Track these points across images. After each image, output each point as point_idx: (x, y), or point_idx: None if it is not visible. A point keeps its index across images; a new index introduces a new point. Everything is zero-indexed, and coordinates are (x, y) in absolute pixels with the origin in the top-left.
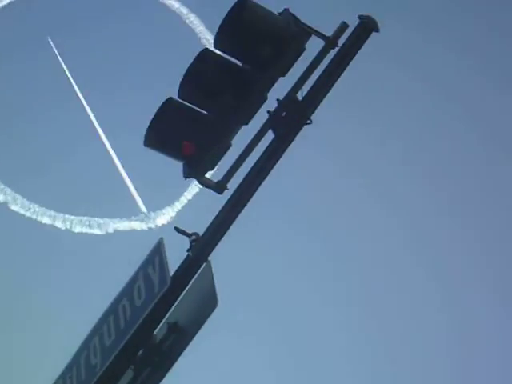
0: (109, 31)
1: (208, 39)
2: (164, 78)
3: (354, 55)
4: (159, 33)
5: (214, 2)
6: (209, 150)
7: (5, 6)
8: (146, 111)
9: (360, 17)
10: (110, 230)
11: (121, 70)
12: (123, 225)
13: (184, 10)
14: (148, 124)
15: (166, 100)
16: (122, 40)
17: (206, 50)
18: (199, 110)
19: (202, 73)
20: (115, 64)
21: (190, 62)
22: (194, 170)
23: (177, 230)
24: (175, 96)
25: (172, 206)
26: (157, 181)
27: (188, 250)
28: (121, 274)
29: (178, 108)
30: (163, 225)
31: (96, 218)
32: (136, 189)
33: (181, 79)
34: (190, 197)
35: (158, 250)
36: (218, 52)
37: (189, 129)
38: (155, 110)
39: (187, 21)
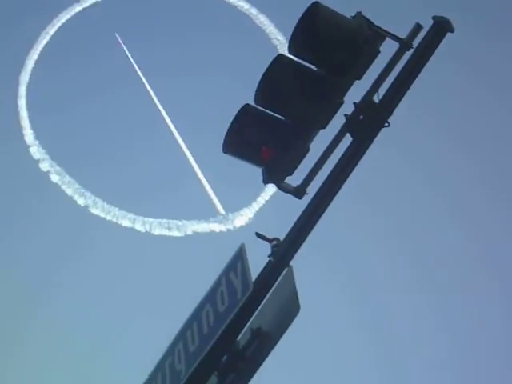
0: (180, 34)
1: (279, 39)
2: (238, 81)
3: (430, 57)
4: (230, 34)
5: (283, 3)
6: (287, 155)
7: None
8: (221, 113)
9: (434, 18)
10: (189, 232)
11: (194, 73)
12: (202, 226)
13: (254, 11)
14: (226, 130)
15: (243, 106)
16: (193, 42)
17: (280, 56)
18: (276, 115)
19: (278, 79)
20: (188, 67)
21: (265, 67)
22: (273, 175)
23: (258, 235)
24: (251, 102)
25: (249, 207)
26: (234, 181)
27: (269, 256)
28: (201, 275)
29: (255, 114)
30: (241, 226)
31: (175, 220)
32: (213, 190)
33: (257, 85)
34: (267, 197)
35: (239, 256)
36: (292, 57)
37: (266, 135)
38: (232, 116)
39: (257, 21)
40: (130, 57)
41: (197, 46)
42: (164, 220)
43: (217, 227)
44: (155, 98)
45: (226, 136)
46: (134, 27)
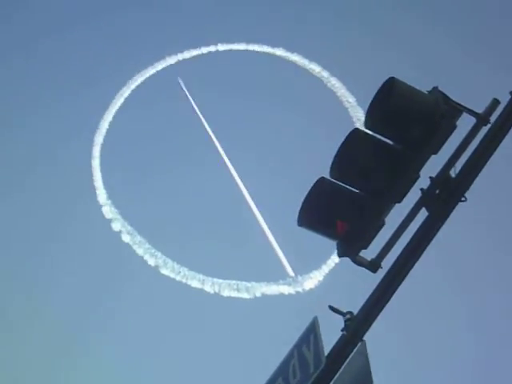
0: (255, 106)
1: (350, 102)
2: (309, 148)
3: (507, 132)
4: (301, 96)
5: (353, 66)
6: (362, 229)
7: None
8: (291, 175)
9: None
10: (258, 294)
11: (267, 138)
12: (271, 289)
13: (325, 74)
14: (301, 204)
15: (318, 180)
16: (265, 107)
17: (356, 130)
18: (351, 188)
19: (354, 153)
20: (261, 132)
21: (341, 141)
22: (348, 249)
23: (331, 308)
24: (326, 174)
25: (319, 270)
26: (303, 243)
27: (342, 330)
28: (270, 338)
29: (331, 187)
30: (311, 289)
31: (244, 282)
32: (283, 252)
33: (332, 159)
34: (337, 260)
35: (312, 329)
36: (368, 131)
37: (341, 208)
38: (307, 189)
39: (328, 84)
40: (205, 124)
41: (269, 111)
42: (233, 281)
43: (286, 289)
44: (227, 161)
45: (300, 210)
46: (209, 91)
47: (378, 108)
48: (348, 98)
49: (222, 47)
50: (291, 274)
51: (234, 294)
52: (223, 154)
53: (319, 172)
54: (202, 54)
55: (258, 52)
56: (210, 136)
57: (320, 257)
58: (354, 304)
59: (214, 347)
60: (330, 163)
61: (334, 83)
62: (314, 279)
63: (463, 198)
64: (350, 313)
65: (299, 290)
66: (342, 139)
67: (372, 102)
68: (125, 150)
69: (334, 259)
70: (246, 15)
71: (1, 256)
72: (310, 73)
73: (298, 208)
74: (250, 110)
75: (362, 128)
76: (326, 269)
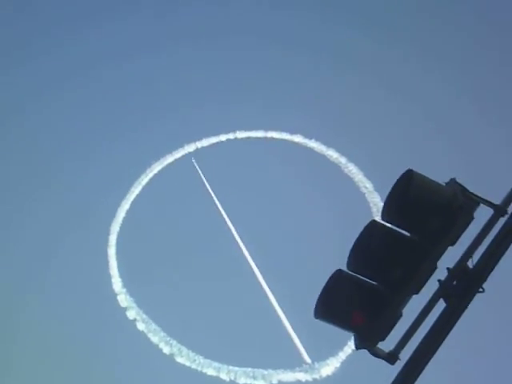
0: (269, 192)
1: (367, 187)
2: (326, 240)
3: None
4: (318, 182)
5: (370, 152)
6: (379, 321)
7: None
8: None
9: None
10: (274, 382)
11: (287, 231)
12: (287, 376)
13: (343, 160)
14: (318, 297)
15: (335, 272)
16: (282, 197)
17: (373, 222)
18: (368, 280)
19: (371, 244)
20: (279, 223)
21: (358, 234)
22: (365, 340)
23: None
24: (343, 266)
25: (336, 357)
26: (320, 329)
27: None
28: None
29: (348, 280)
30: (328, 376)
31: (260, 369)
32: (299, 338)
33: (349, 251)
34: (353, 346)
35: None
36: (385, 223)
37: (358, 300)
38: (324, 282)
39: (346, 170)
40: (223, 213)
41: (286, 200)
42: (249, 369)
43: (302, 376)
44: (244, 249)
45: (317, 302)
46: (227, 180)
47: (395, 200)
48: (365, 184)
49: (240, 134)
50: (308, 360)
51: (250, 382)
52: (240, 242)
53: (336, 262)
54: (221, 142)
55: (276, 139)
56: (228, 225)
57: (337, 343)
58: None
59: None
60: (347, 255)
61: (352, 169)
62: (331, 366)
63: (481, 289)
64: None
65: (316, 376)
66: (359, 231)
67: (390, 194)
68: (141, 238)
69: (351, 345)
70: (263, 102)
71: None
72: (327, 159)
73: (314, 297)
74: (268, 199)
75: (379, 219)
76: (343, 355)
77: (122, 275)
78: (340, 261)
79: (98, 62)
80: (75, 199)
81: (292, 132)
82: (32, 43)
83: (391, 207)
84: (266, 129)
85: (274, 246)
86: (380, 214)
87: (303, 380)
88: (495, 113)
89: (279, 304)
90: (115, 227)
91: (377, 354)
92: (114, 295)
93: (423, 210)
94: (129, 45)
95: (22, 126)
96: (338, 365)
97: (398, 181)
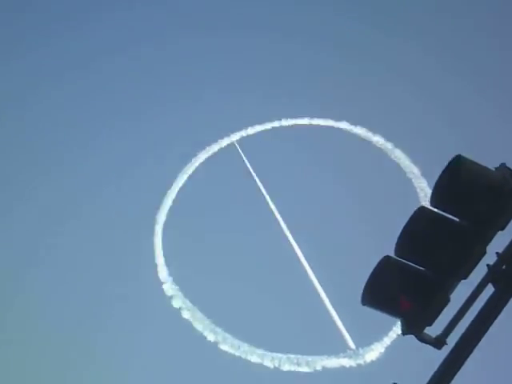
0: (316, 179)
1: (414, 173)
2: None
3: None
4: (365, 168)
5: (416, 138)
6: (427, 306)
7: None
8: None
9: None
10: (319, 368)
11: (333, 217)
12: (331, 362)
13: (389, 145)
14: (365, 283)
15: (383, 258)
16: (329, 184)
17: (422, 208)
18: (416, 266)
19: (419, 231)
20: (326, 209)
21: (407, 220)
22: (413, 326)
23: None
24: (390, 253)
25: (381, 342)
26: (364, 314)
27: None
28: None
29: (396, 266)
30: (372, 361)
31: (304, 356)
32: (344, 324)
33: (398, 237)
34: (399, 331)
35: None
36: (433, 209)
37: (406, 285)
38: (372, 269)
39: (392, 156)
40: (268, 200)
41: (332, 186)
42: (293, 355)
43: (347, 362)
44: (290, 236)
45: (364, 289)
46: (272, 168)
47: (444, 185)
48: (412, 169)
49: (286, 122)
50: (352, 346)
51: (294, 368)
52: (286, 230)
53: (384, 249)
54: (266, 130)
55: (321, 126)
56: (273, 212)
57: (381, 328)
58: (417, 376)
59: None
60: (396, 241)
61: (398, 154)
62: (376, 351)
63: None
64: None
65: (360, 362)
66: (407, 217)
67: (439, 179)
68: (187, 227)
69: (396, 331)
70: (306, 91)
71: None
72: (373, 145)
73: (360, 284)
74: (314, 186)
75: (428, 205)
76: (387, 341)
77: (167, 264)
78: (388, 247)
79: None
80: (121, 189)
81: (337, 119)
82: (31, 34)
83: (440, 193)
84: (312, 116)
85: (321, 232)
86: (429, 199)
87: (347, 366)
88: None
89: (324, 290)
90: (161, 216)
91: (424, 339)
92: (160, 284)
93: (473, 195)
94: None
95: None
96: (382, 350)
97: (447, 166)
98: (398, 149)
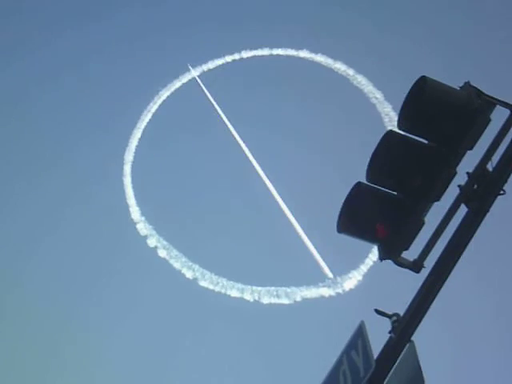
0: (280, 106)
1: (378, 97)
2: (341, 152)
3: None
4: (328, 95)
5: (377, 59)
6: (402, 230)
7: None
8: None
9: None
10: (298, 299)
11: (297, 145)
12: (311, 292)
13: (351, 72)
14: (339, 211)
15: (355, 185)
16: (295, 112)
17: (390, 132)
18: (389, 191)
19: (389, 155)
20: (292, 138)
21: (376, 145)
22: (390, 251)
23: (377, 312)
24: (362, 179)
25: (358, 270)
26: (340, 243)
27: (390, 332)
28: (314, 343)
29: (368, 192)
30: (351, 289)
31: (283, 288)
32: (320, 254)
33: (368, 163)
34: (375, 258)
35: (360, 334)
36: (402, 132)
37: (380, 211)
38: (345, 196)
39: (355, 82)
40: (234, 133)
41: (300, 115)
42: (272, 288)
43: (326, 292)
44: (259, 168)
45: (339, 217)
46: (234, 98)
47: (410, 108)
48: (375, 94)
49: (245, 54)
50: (330, 275)
51: (274, 300)
52: (254, 162)
53: (354, 175)
54: (227, 63)
55: (282, 56)
56: (241, 145)
57: (357, 256)
58: (395, 301)
59: (259, 356)
60: (366, 167)
61: (361, 80)
62: (354, 279)
63: (502, 191)
64: (397, 314)
65: (339, 291)
66: (376, 142)
67: (404, 102)
68: (155, 166)
69: (372, 257)
70: (264, 20)
71: (34, 280)
72: (335, 72)
73: (332, 211)
74: (278, 116)
75: (396, 129)
76: (364, 268)
77: (139, 204)
78: (358, 174)
79: None
80: (86, 130)
81: (297, 48)
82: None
83: (407, 115)
84: (271, 46)
85: (289, 162)
86: (396, 123)
87: (327, 295)
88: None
89: (296, 220)
90: (129, 156)
91: (401, 263)
92: (134, 224)
93: (439, 116)
94: None
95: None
96: (360, 278)
97: (412, 88)
98: (360, 74)
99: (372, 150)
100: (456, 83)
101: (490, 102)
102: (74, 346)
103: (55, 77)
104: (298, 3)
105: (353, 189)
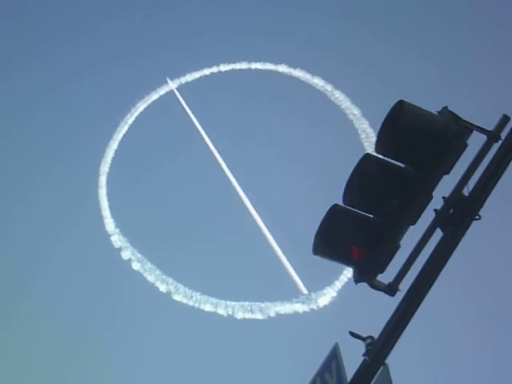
0: (258, 121)
1: (355, 114)
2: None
3: None
4: (306, 111)
5: (356, 76)
6: (378, 254)
7: None
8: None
9: None
10: (272, 314)
11: (276, 163)
12: (285, 308)
13: (329, 88)
14: (315, 233)
15: (332, 207)
16: (274, 131)
17: (367, 155)
18: (365, 214)
19: (366, 178)
20: (270, 154)
21: (353, 167)
22: (365, 274)
23: (352, 334)
24: (339, 201)
25: (332, 286)
26: (315, 259)
27: (364, 354)
28: (287, 358)
29: (344, 214)
30: (325, 306)
31: (257, 303)
32: (295, 269)
33: (345, 186)
34: (349, 275)
35: (334, 356)
36: (379, 156)
37: (356, 234)
38: (321, 217)
39: (332, 97)
40: (211, 147)
41: (276, 132)
42: (246, 303)
43: (300, 308)
44: (235, 183)
45: (315, 239)
46: (213, 111)
47: (388, 132)
48: (353, 111)
49: (224, 67)
50: (304, 291)
51: (248, 316)
52: (231, 177)
53: (331, 195)
54: (205, 76)
55: (260, 70)
56: (217, 159)
57: (332, 272)
58: (368, 321)
59: (231, 372)
60: (343, 189)
61: (338, 96)
62: (328, 295)
63: (477, 217)
64: (371, 337)
65: (313, 307)
66: (352, 160)
67: (382, 126)
68: (131, 177)
69: (347, 274)
70: (245, 33)
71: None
72: (313, 87)
73: (308, 227)
74: (256, 131)
75: (373, 152)
76: (338, 284)
77: (114, 216)
78: (335, 191)
79: None
80: (62, 141)
81: (276, 62)
82: None
83: (384, 139)
84: (250, 60)
85: (267, 178)
86: (374, 146)
87: (301, 311)
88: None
89: (273, 237)
90: (104, 168)
91: (376, 286)
92: (108, 236)
93: (416, 140)
94: None
95: None
96: (334, 294)
97: (390, 112)
98: (338, 90)
99: (348, 168)
100: (434, 105)
101: (467, 128)
102: (44, 361)
103: (32, 86)
104: (278, 16)
105: (329, 211)
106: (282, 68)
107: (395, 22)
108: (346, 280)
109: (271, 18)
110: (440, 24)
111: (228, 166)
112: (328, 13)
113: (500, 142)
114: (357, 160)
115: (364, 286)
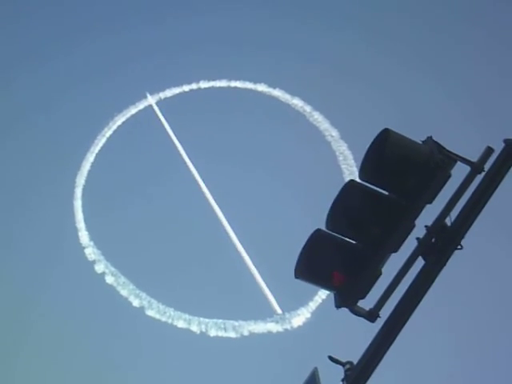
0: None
1: (333, 135)
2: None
3: (501, 180)
4: (284, 131)
5: (336, 98)
6: (359, 279)
7: None
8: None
9: (505, 141)
10: (245, 333)
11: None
12: (258, 327)
13: (308, 108)
14: (298, 257)
15: (315, 232)
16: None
17: (351, 182)
18: (348, 240)
19: (349, 204)
20: (248, 174)
21: (336, 192)
22: (346, 299)
23: (331, 359)
24: (321, 224)
25: (306, 307)
26: (289, 280)
27: (343, 380)
28: (260, 379)
29: (327, 239)
30: (299, 326)
31: (231, 321)
32: (269, 289)
33: (328, 212)
34: (324, 296)
35: (312, 380)
36: (363, 183)
37: (338, 259)
38: (303, 242)
39: (311, 119)
40: (190, 165)
41: (255, 152)
42: (220, 320)
43: (274, 327)
44: (213, 203)
45: (297, 263)
46: (191, 128)
47: (372, 159)
48: (331, 132)
49: (204, 84)
50: (279, 311)
51: (221, 333)
52: (209, 196)
53: (310, 216)
54: (184, 92)
55: (239, 88)
56: (195, 177)
57: (307, 293)
58: (343, 343)
59: None
60: (326, 214)
61: (317, 117)
62: (302, 316)
63: (459, 246)
64: (350, 362)
65: (287, 327)
66: (331, 185)
67: (366, 153)
68: (107, 190)
69: (321, 295)
70: (226, 51)
71: None
72: (292, 108)
73: (285, 247)
74: (234, 152)
75: (357, 179)
76: (312, 305)
77: (88, 228)
78: (311, 213)
79: None
80: (39, 152)
81: (256, 81)
82: None
83: (369, 166)
84: (230, 78)
85: (243, 198)
86: (357, 172)
87: (274, 331)
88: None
89: (249, 255)
90: (80, 180)
91: (357, 312)
92: (82, 249)
93: (400, 169)
94: None
95: None
96: (308, 315)
97: (374, 140)
98: (316, 111)
99: (326, 191)
100: (417, 134)
101: (451, 158)
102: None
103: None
104: (258, 35)
105: (312, 235)
106: (262, 87)
107: (380, 43)
108: (320, 301)
109: (253, 35)
110: (428, 47)
111: (205, 182)
112: (312, 31)
113: (483, 173)
114: (340, 185)
115: (341, 309)
